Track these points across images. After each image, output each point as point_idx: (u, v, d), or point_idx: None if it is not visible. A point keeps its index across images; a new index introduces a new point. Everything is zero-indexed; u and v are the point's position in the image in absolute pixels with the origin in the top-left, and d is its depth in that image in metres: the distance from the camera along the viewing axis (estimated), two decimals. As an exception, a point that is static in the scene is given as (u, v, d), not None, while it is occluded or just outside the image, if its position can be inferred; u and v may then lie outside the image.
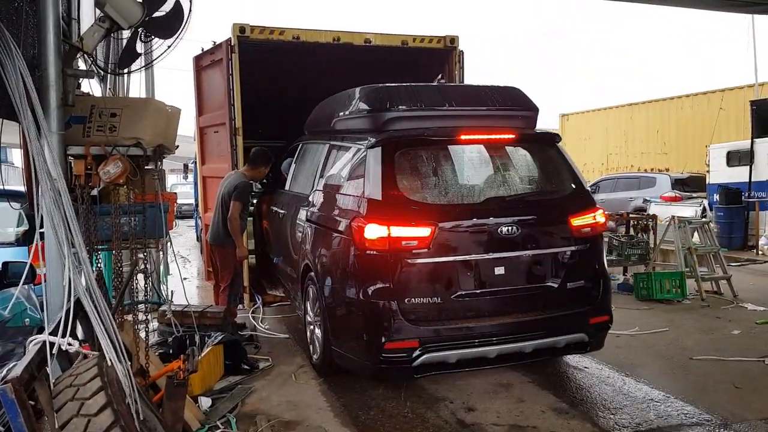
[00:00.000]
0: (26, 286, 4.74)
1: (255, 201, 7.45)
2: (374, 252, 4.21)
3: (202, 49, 7.72)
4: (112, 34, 4.12)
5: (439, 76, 5.52)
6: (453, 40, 7.70)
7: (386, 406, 4.39)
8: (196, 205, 13.07)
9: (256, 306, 7.11)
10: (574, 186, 4.80)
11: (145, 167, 5.12)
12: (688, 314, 6.71)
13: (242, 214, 5.91)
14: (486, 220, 4.38)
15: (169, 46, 3.96)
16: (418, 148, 4.66)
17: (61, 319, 3.08)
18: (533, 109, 5.13)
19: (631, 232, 8.77)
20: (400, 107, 4.71)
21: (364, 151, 4.61)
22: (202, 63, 7.79)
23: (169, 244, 5.75)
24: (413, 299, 4.24)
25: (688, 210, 13.46)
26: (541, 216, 4.57)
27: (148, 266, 7.45)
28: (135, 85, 8.54)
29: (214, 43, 7.37)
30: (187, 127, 9.82)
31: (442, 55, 7.86)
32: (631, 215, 9.02)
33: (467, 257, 4.34)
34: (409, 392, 4.62)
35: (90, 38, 3.89)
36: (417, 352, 4.15)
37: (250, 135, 7.77)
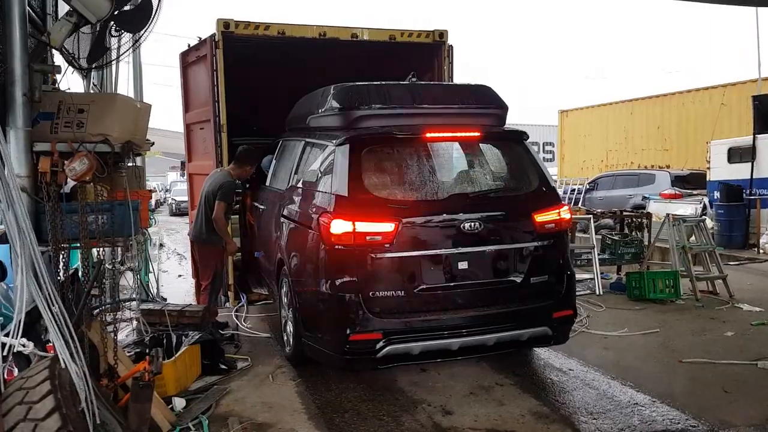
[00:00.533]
0: (3, 284, 4.70)
1: (240, 198, 7.36)
2: (340, 247, 4.32)
3: (189, 46, 7.62)
4: (82, 29, 4.00)
5: (411, 75, 5.52)
6: (442, 34, 7.57)
7: (362, 408, 4.28)
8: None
9: (240, 305, 7.01)
10: (538, 183, 4.86)
11: (124, 164, 5.13)
12: (680, 315, 6.57)
13: (226, 214, 5.81)
14: (448, 216, 4.46)
15: (136, 40, 3.84)
16: (385, 145, 4.80)
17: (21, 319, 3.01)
18: (503, 107, 5.19)
19: (626, 230, 8.65)
20: (368, 106, 4.80)
21: (333, 149, 4.70)
22: (188, 59, 7.69)
23: (148, 241, 5.67)
24: (377, 293, 4.35)
25: (688, 207, 13.30)
26: (504, 212, 4.67)
27: (131, 264, 7.44)
28: (123, 82, 8.45)
29: (200, 39, 7.26)
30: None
31: (431, 50, 7.72)
32: (624, 213, 8.87)
33: (430, 252, 4.46)
34: (387, 394, 4.52)
35: (57, 33, 3.79)
36: (381, 344, 4.25)
37: (245, 132, 7.67)
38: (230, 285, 7.13)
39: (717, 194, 12.62)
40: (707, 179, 13.96)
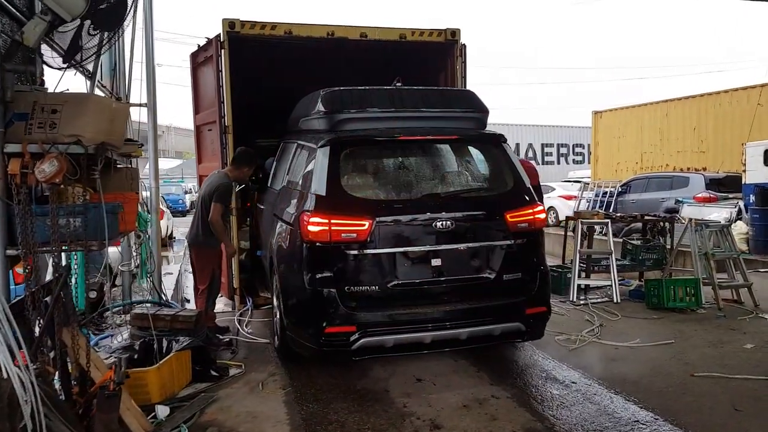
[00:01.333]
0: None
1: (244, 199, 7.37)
2: (317, 243, 4.53)
3: (198, 46, 7.60)
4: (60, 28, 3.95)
5: (396, 80, 5.76)
6: (454, 33, 7.36)
7: (347, 421, 4.12)
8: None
9: (245, 308, 6.94)
10: (513, 184, 5.01)
11: (117, 165, 5.09)
12: (699, 325, 6.22)
13: (224, 216, 5.74)
14: (421, 215, 4.64)
15: (110, 39, 3.77)
16: (363, 147, 5.05)
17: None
18: (483, 111, 5.42)
19: (648, 235, 8.29)
20: (352, 109, 5.04)
21: (316, 150, 4.88)
22: (197, 60, 7.68)
23: (145, 243, 5.64)
24: (352, 287, 4.55)
25: (723, 211, 12.75)
26: (476, 212, 4.83)
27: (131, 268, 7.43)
28: (136, 84, 8.47)
29: (208, 39, 7.22)
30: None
31: (443, 49, 7.53)
32: (646, 217, 8.50)
33: (403, 249, 4.63)
34: (377, 406, 4.36)
35: (31, 32, 3.73)
36: (355, 337, 4.47)
37: (269, 134, 7.56)
38: (236, 289, 7.07)
39: (752, 198, 12.04)
40: (743, 182, 13.35)
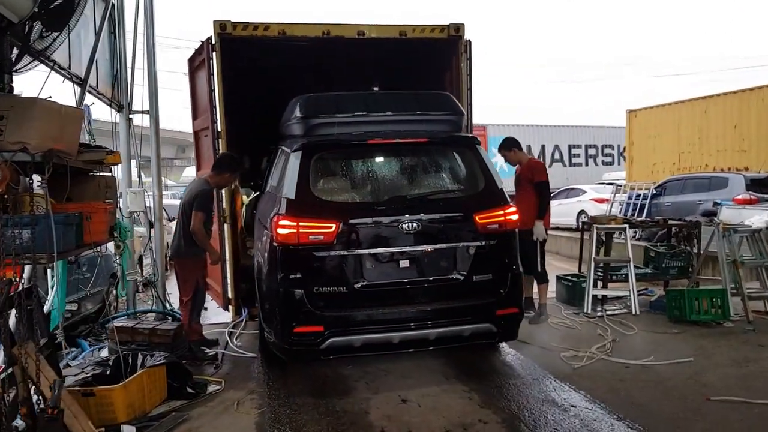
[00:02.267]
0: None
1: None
2: (286, 245, 4.59)
3: (195, 50, 7.42)
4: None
5: (374, 85, 6.45)
6: (458, 28, 6.96)
7: (316, 448, 3.80)
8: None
9: (240, 320, 6.69)
10: (484, 185, 5.01)
11: (94, 174, 4.90)
12: (724, 340, 5.68)
13: (205, 224, 5.50)
14: (387, 218, 4.68)
15: (55, 38, 3.55)
16: (334, 152, 5.14)
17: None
18: (458, 114, 5.46)
19: (673, 241, 7.73)
20: (325, 115, 5.14)
21: (289, 154, 4.99)
22: (193, 65, 7.49)
23: (125, 253, 5.44)
24: (320, 288, 4.59)
25: (765, 214, 11.96)
26: (443, 213, 4.82)
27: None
28: (138, 90, 8.38)
29: (201, 43, 7.02)
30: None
31: (447, 45, 7.14)
32: (670, 221, 7.92)
33: (369, 251, 4.67)
34: (352, 429, 4.02)
35: (-21, 35, 3.56)
36: (323, 336, 4.51)
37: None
38: (230, 299, 6.84)
39: (795, 199, 11.26)
40: (786, 182, 12.54)
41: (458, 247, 4.79)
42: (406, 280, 4.75)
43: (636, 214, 16.42)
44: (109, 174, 5.03)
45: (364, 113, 5.23)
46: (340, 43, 6.84)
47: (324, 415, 4.24)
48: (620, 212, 17.14)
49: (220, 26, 6.48)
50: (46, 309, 5.33)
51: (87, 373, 4.47)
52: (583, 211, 19.46)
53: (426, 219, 4.70)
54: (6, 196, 3.37)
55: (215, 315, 7.37)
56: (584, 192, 20.34)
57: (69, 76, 6.11)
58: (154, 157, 8.62)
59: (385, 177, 5.23)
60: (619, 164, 25.60)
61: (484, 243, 4.79)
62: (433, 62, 7.41)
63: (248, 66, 7.42)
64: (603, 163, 25.92)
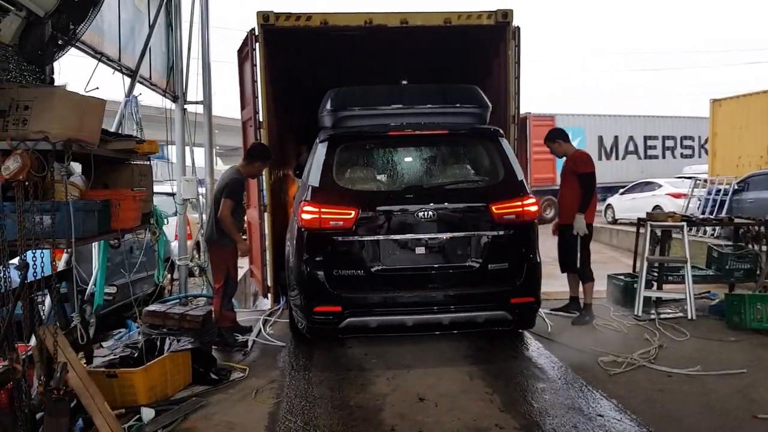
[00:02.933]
0: None
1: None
2: (310, 230, 4.90)
3: (242, 42, 7.51)
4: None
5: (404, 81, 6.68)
6: (506, 14, 6.68)
7: (323, 442, 3.75)
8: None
9: (278, 308, 6.75)
10: (503, 176, 5.14)
11: (131, 162, 5.03)
12: (787, 352, 5.18)
13: (235, 212, 5.54)
14: (404, 206, 4.91)
15: (76, 32, 3.63)
16: (357, 142, 5.38)
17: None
18: (483, 106, 5.68)
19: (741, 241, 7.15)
20: (353, 107, 5.52)
21: (317, 145, 5.25)
22: (241, 56, 7.58)
23: (162, 241, 5.57)
24: (339, 271, 4.89)
25: None
26: (460, 203, 5.01)
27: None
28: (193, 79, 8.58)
29: (247, 34, 7.10)
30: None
31: (494, 33, 6.89)
32: (737, 219, 7.31)
33: (386, 237, 4.92)
34: (362, 426, 3.94)
35: (7, 29, 3.68)
36: (341, 316, 4.81)
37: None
38: (269, 287, 6.91)
39: None
40: None
41: (474, 235, 4.95)
42: (421, 266, 4.97)
43: (715, 211, 15.40)
44: (146, 162, 5.16)
45: (390, 106, 5.55)
46: (383, 32, 6.73)
47: (338, 409, 4.18)
48: (698, 208, 16.16)
49: (263, 17, 6.54)
50: (88, 292, 5.57)
51: (115, 355, 4.61)
52: (657, 206, 18.46)
53: (442, 208, 4.91)
54: (27, 183, 3.48)
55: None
56: (660, 186, 19.31)
57: (119, 68, 6.32)
58: (207, 145, 8.85)
59: (405, 167, 5.44)
60: (699, 157, 24.09)
61: (500, 233, 4.93)
62: (480, 50, 7.19)
63: (293, 57, 7.45)
64: (682, 155, 24.43)
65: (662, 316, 6.31)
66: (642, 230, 6.91)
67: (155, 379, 4.33)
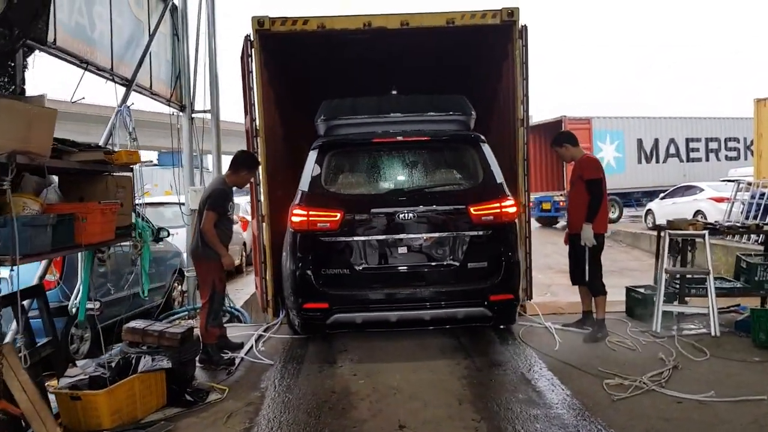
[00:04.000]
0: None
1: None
2: (299, 231, 5.30)
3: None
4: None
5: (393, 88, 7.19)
6: (512, 12, 6.32)
7: (284, 474, 3.47)
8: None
9: (275, 322, 6.52)
10: (483, 179, 5.44)
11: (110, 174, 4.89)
12: (817, 376, 4.66)
13: (219, 224, 5.34)
14: (386, 209, 5.23)
15: (23, 38, 3.47)
16: (343, 149, 5.77)
17: None
18: (468, 114, 6.05)
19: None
20: (343, 116, 6.02)
21: (309, 152, 5.61)
22: (242, 62, 7.42)
23: (146, 253, 5.41)
24: (327, 270, 5.25)
25: None
26: (439, 205, 5.30)
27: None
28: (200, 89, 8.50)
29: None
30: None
31: (499, 33, 6.55)
32: (766, 226, 6.71)
33: (370, 238, 5.27)
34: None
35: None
36: (328, 312, 5.17)
37: None
38: (268, 301, 6.68)
39: None
40: None
41: (453, 236, 5.26)
42: (403, 266, 5.32)
43: (760, 215, 14.54)
44: (127, 174, 5.01)
45: (381, 115, 6.00)
46: (383, 35, 6.47)
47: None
48: (741, 213, 15.30)
49: (258, 22, 6.35)
50: (69, 306, 5.46)
51: (86, 375, 4.44)
52: (699, 211, 17.63)
53: (423, 210, 5.24)
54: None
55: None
56: (701, 190, 18.42)
57: (111, 77, 6.23)
58: (214, 155, 8.74)
59: (389, 172, 5.75)
60: (746, 159, 22.94)
61: (479, 233, 5.23)
62: (487, 51, 6.86)
63: (293, 64, 7.26)
64: (727, 158, 23.32)
65: (686, 332, 5.83)
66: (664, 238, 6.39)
67: (121, 402, 4.13)
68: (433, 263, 5.29)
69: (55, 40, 5.11)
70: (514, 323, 5.64)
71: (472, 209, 5.20)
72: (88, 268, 5.30)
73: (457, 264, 5.23)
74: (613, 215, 22.39)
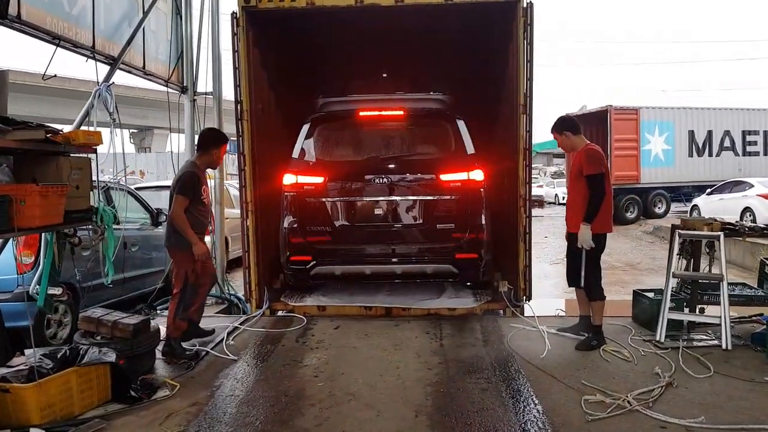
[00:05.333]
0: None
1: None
2: (289, 194, 6.06)
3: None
4: None
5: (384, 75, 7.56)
6: (515, -11, 5.81)
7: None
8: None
9: (255, 314, 6.24)
10: (454, 150, 6.05)
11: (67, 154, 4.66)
12: (835, 403, 4.04)
13: (191, 209, 5.04)
14: (365, 174, 5.95)
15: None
16: (332, 123, 6.43)
17: None
18: (447, 94, 6.72)
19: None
20: (335, 95, 6.70)
21: (302, 126, 6.32)
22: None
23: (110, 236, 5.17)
24: (312, 227, 6.01)
25: None
26: (412, 172, 5.98)
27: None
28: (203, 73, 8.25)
29: (235, 16, 6.61)
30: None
31: (502, 11, 6.03)
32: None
33: (349, 199, 6.00)
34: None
35: None
36: (311, 264, 5.97)
37: None
38: (252, 290, 6.40)
39: None
40: None
41: (424, 199, 5.90)
42: (379, 224, 5.96)
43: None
44: (84, 155, 4.78)
45: (370, 94, 6.65)
46: (375, 12, 6.04)
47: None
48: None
49: (245, -1, 6.02)
50: (30, 290, 5.30)
51: (26, 366, 4.23)
52: (748, 208, 16.56)
53: (397, 176, 5.90)
54: None
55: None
56: (751, 186, 17.27)
57: (92, 55, 6.02)
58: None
59: (370, 142, 6.37)
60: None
61: (447, 197, 5.86)
62: (489, 31, 6.35)
63: (283, 43, 6.92)
64: (769, 152, 21.80)
65: (694, 343, 5.25)
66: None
67: (54, 396, 3.91)
68: (406, 223, 5.96)
69: (19, 14, 4.90)
70: (478, 281, 6.19)
71: (441, 176, 5.86)
72: (51, 251, 5.12)
73: (427, 225, 5.90)
74: (659, 210, 21.27)
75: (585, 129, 22.22)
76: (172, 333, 5.09)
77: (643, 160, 20.54)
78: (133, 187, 11.57)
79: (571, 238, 5.26)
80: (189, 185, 5.02)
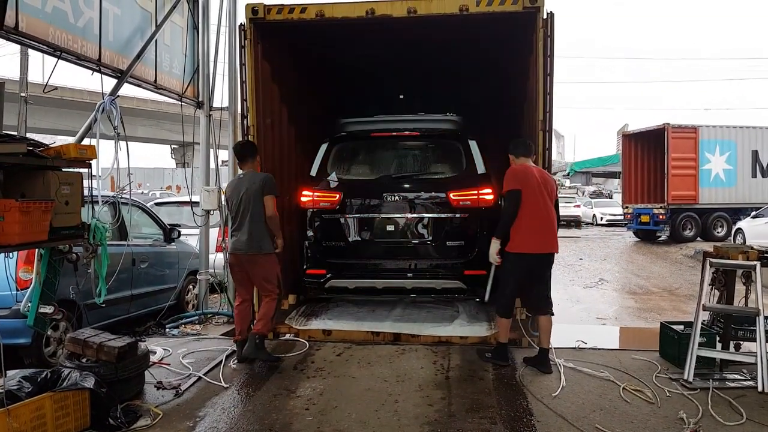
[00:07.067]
0: None
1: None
2: (306, 209, 6.26)
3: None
4: None
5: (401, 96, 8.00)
6: (534, -1, 5.50)
7: None
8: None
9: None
10: (465, 169, 6.16)
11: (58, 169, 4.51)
12: None
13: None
14: (378, 192, 6.13)
15: None
16: (348, 142, 6.62)
17: None
18: (460, 115, 6.76)
19: None
20: (354, 116, 6.78)
21: (320, 145, 6.53)
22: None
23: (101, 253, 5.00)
24: (327, 242, 6.20)
25: None
26: (424, 191, 6.13)
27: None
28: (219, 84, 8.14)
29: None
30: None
31: (521, 22, 5.70)
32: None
33: (363, 215, 6.15)
34: None
35: None
36: (326, 278, 6.12)
37: None
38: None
39: None
40: None
41: (434, 217, 6.05)
42: (390, 241, 6.11)
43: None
44: (73, 170, 4.63)
45: (387, 114, 6.78)
46: (388, 24, 5.80)
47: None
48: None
49: (252, 11, 5.89)
50: (21, 308, 5.15)
51: (2, 389, 4.04)
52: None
53: (409, 194, 6.08)
54: None
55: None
56: (777, 210, 16.30)
57: (97, 68, 5.93)
58: (231, 152, 8.34)
59: (384, 161, 6.60)
60: None
61: (458, 215, 5.98)
62: (508, 43, 6.04)
63: (294, 56, 6.75)
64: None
65: (726, 384, 4.76)
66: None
67: (25, 424, 3.69)
68: (417, 240, 6.09)
69: (17, 25, 4.81)
70: (486, 298, 5.86)
71: (452, 195, 5.97)
72: (44, 269, 4.98)
73: (437, 242, 6.03)
74: (719, 233, 20.18)
75: (639, 148, 21.47)
76: (266, 331, 5.41)
77: (702, 180, 19.64)
78: (151, 203, 11.62)
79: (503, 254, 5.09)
80: (275, 186, 5.31)
